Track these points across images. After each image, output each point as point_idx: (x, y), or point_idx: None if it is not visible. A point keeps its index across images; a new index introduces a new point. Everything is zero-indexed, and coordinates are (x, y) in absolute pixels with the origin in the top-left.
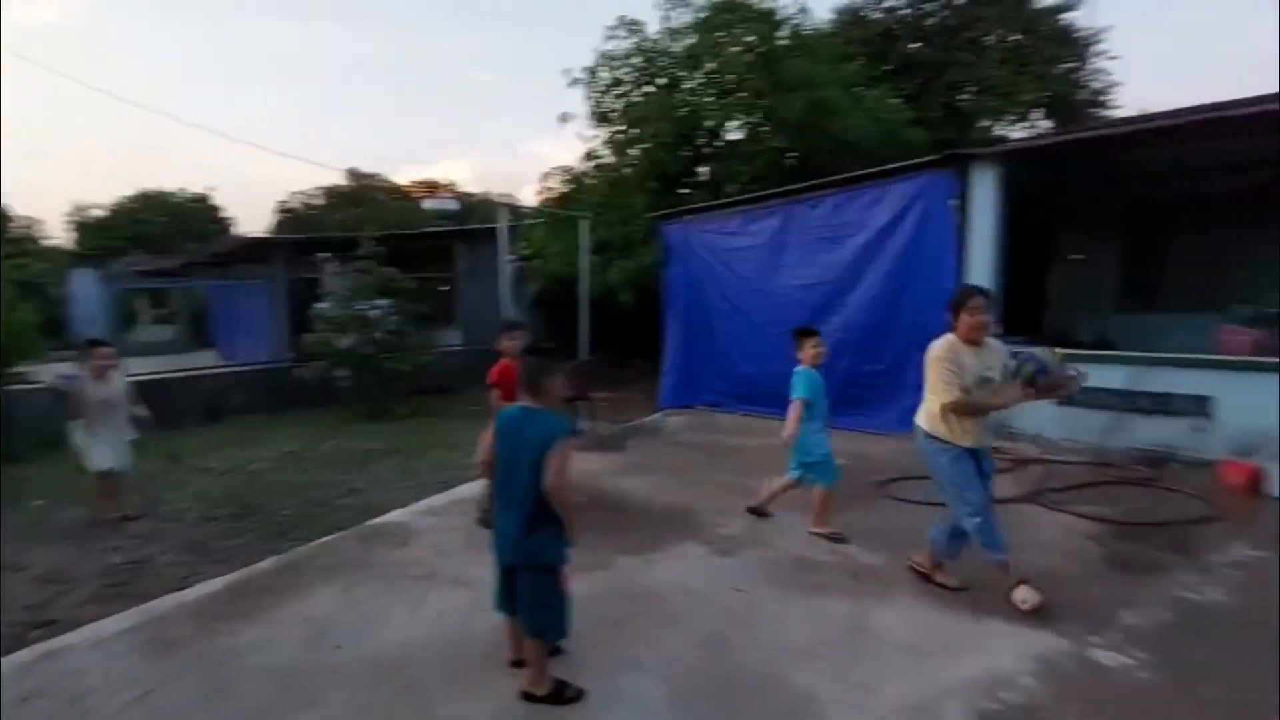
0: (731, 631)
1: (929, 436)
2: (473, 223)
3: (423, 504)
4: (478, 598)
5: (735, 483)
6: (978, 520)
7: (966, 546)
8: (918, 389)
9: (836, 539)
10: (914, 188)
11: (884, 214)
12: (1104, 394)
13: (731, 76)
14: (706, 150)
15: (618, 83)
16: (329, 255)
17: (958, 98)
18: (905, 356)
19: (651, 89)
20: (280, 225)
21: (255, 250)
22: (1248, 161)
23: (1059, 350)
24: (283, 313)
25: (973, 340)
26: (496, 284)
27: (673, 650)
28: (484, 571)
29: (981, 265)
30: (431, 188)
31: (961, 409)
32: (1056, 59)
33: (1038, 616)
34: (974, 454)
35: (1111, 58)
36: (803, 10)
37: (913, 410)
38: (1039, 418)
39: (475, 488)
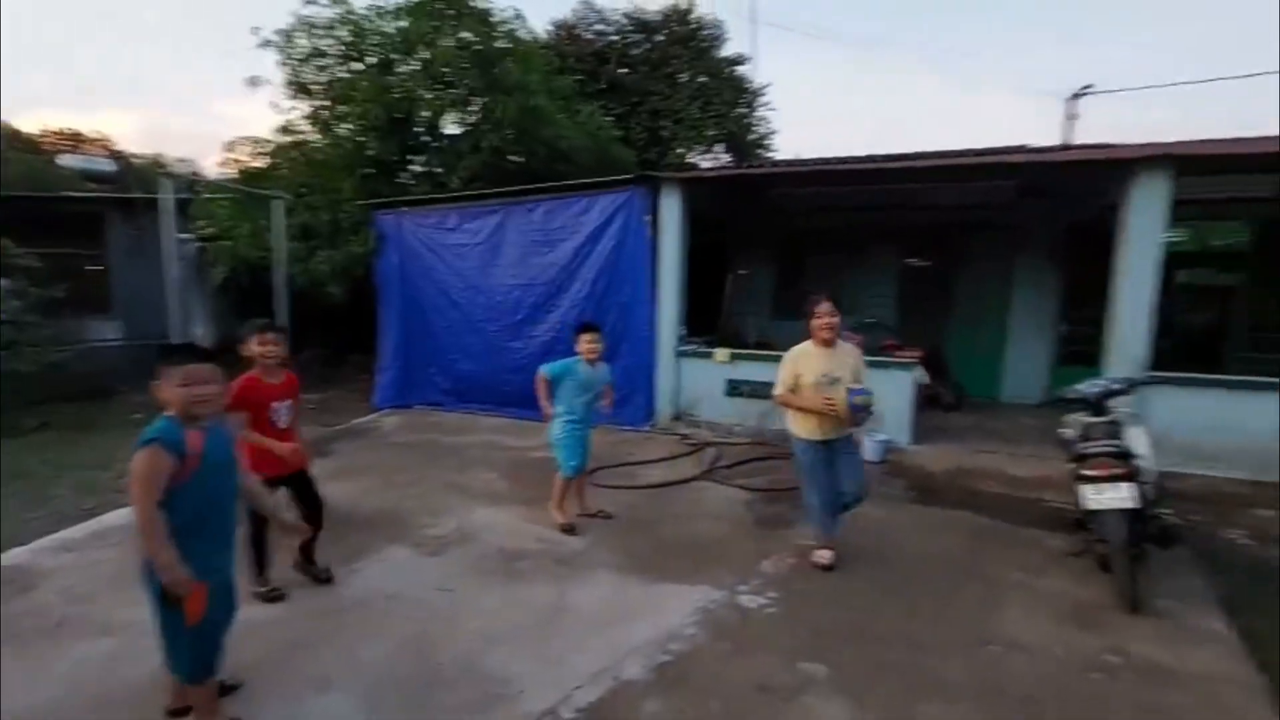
0: (433, 629)
1: (790, 429)
2: (138, 190)
3: (55, 538)
4: (124, 645)
5: (451, 481)
6: (812, 504)
7: (841, 523)
8: (623, 385)
9: (566, 529)
10: (618, 201)
11: (592, 222)
12: (762, 385)
13: (447, 70)
14: (425, 141)
15: (320, 54)
16: None
17: (659, 125)
18: (612, 353)
19: (360, 66)
20: None
21: None
22: (854, 205)
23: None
24: None
25: (825, 342)
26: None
27: (369, 659)
28: (134, 613)
29: (670, 275)
30: (75, 140)
31: (781, 403)
32: (734, 103)
33: (701, 574)
34: (825, 445)
35: (771, 109)
36: (519, 16)
37: (620, 403)
38: (715, 407)
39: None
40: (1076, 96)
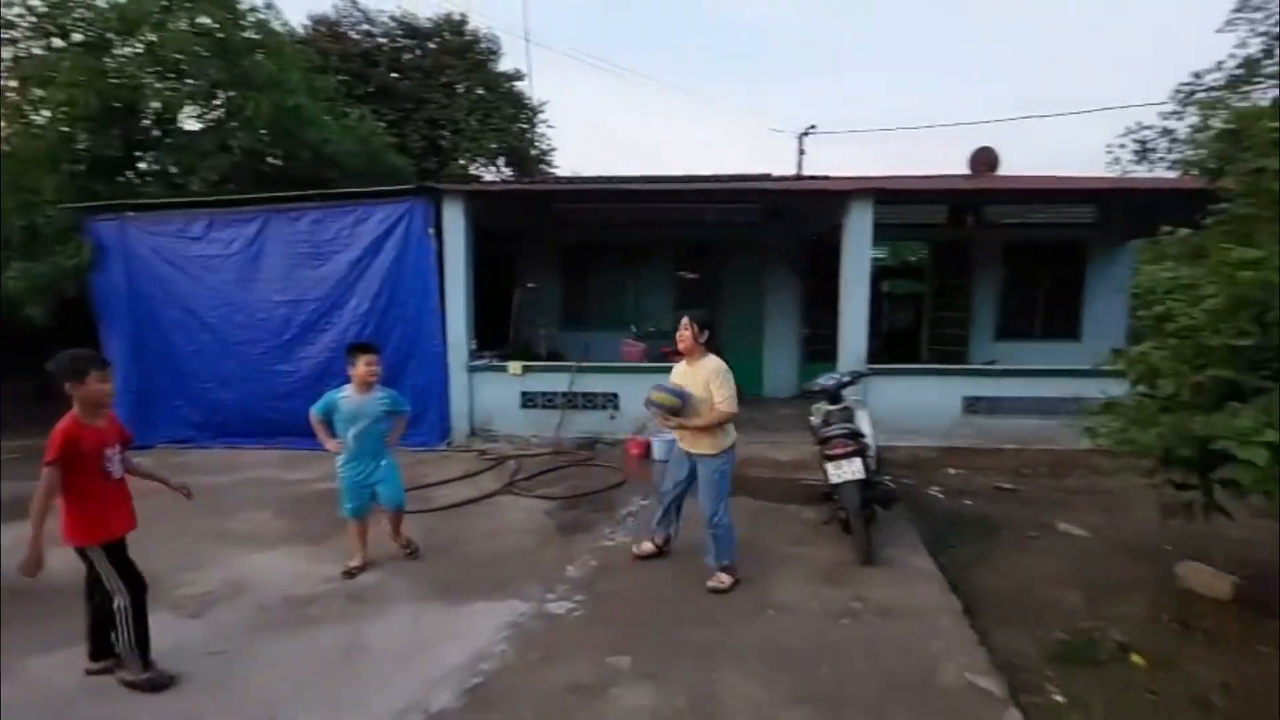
0: (197, 703)
1: None
2: None
3: None
4: None
5: (214, 529)
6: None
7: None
8: (414, 404)
9: (348, 573)
10: (398, 211)
11: (370, 233)
12: (555, 395)
13: (181, 57)
14: (156, 136)
15: (5, 24)
16: None
17: (438, 134)
18: (400, 371)
19: (62, 44)
20: None
21: None
22: (630, 222)
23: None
24: None
25: (682, 356)
26: None
27: None
28: None
29: (458, 288)
30: None
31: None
32: (514, 118)
33: (508, 589)
34: (688, 457)
35: (551, 126)
36: (271, 7)
37: (412, 423)
38: (512, 420)
39: None
40: (805, 134)
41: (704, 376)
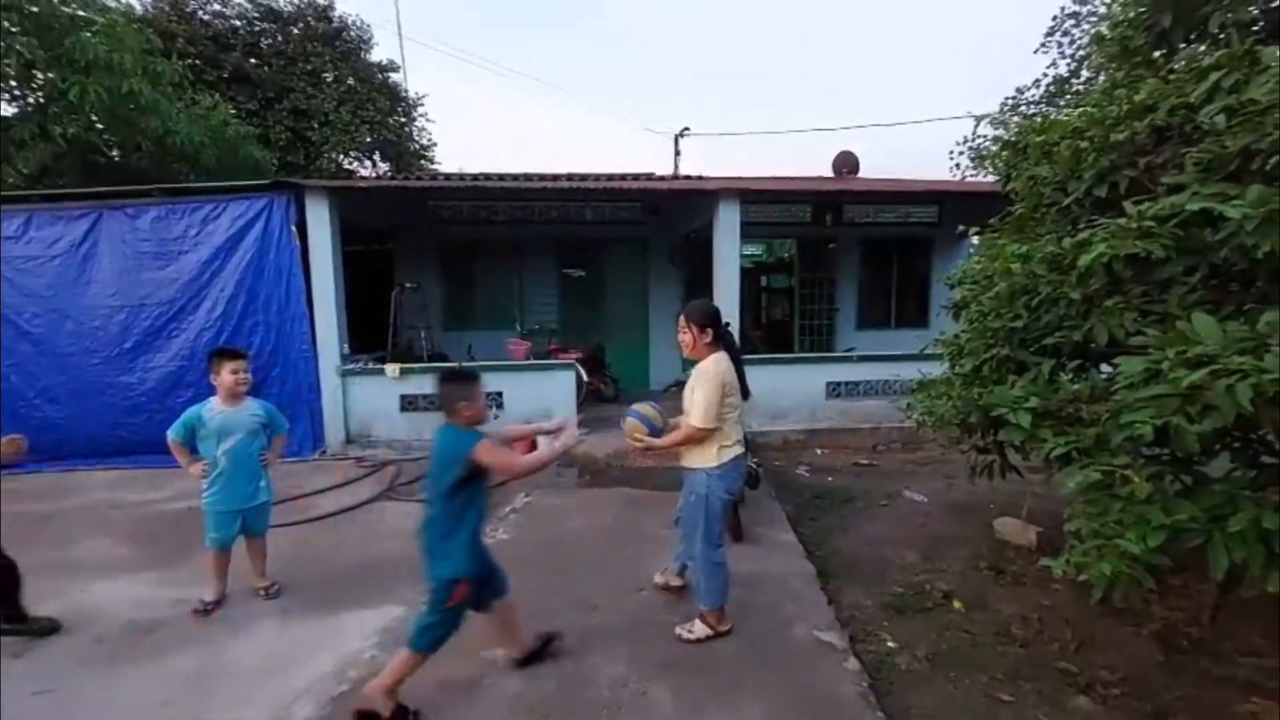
0: None
1: None
2: None
3: None
4: None
5: (47, 559)
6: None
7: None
8: (281, 410)
9: (201, 608)
10: (254, 208)
11: (223, 231)
12: (437, 397)
13: None
14: None
15: None
16: None
17: (305, 125)
18: (263, 377)
19: None
20: None
21: None
22: (512, 219)
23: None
24: None
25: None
26: None
27: None
28: None
29: (326, 289)
30: None
31: None
32: (390, 111)
33: (383, 595)
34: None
35: (429, 120)
36: None
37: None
38: (391, 425)
39: None
40: (680, 135)
41: (691, 383)
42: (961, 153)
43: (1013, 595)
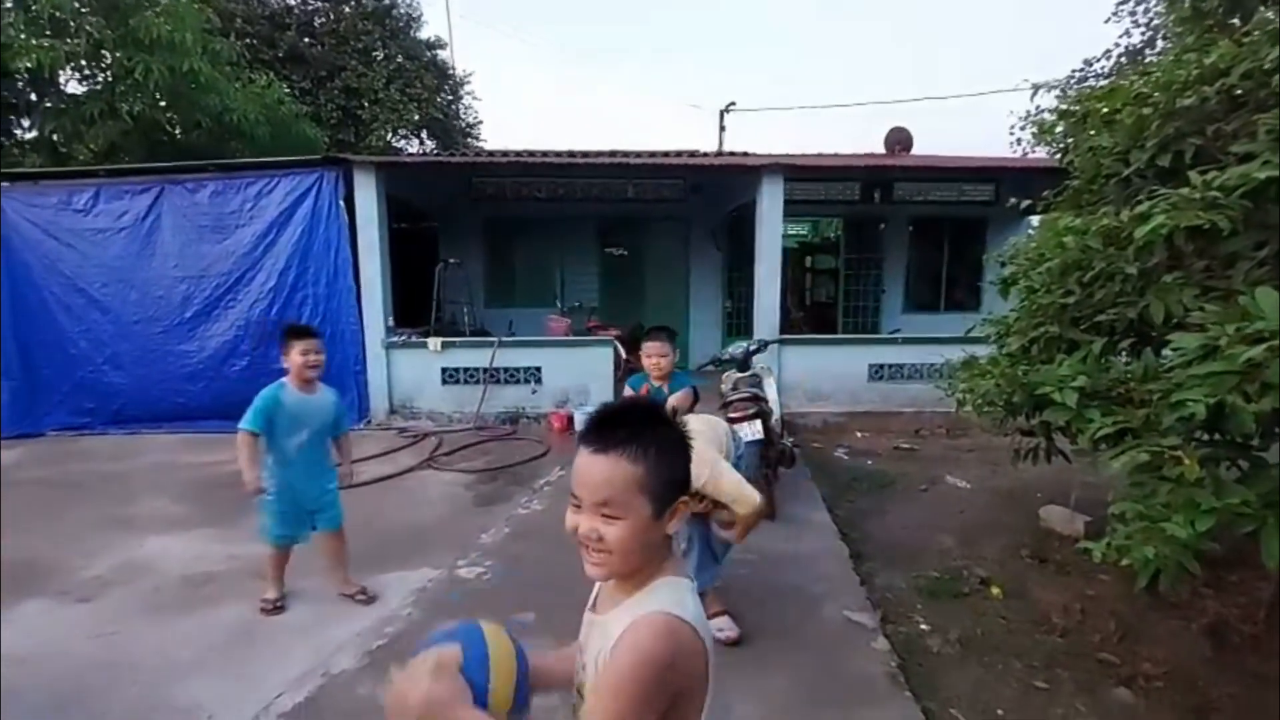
0: (91, 681)
1: None
2: None
3: None
4: None
5: (110, 515)
6: None
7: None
8: (328, 382)
9: (266, 607)
10: (305, 183)
11: (276, 206)
12: (477, 371)
13: (58, 13)
14: (33, 100)
15: None
16: None
17: (355, 104)
18: None
19: None
20: None
21: None
22: (554, 196)
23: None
24: None
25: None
26: None
27: None
28: None
29: (373, 263)
30: None
31: None
32: (437, 89)
33: (420, 558)
34: None
35: (476, 98)
36: None
37: None
38: (432, 397)
39: None
40: (725, 111)
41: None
42: (1023, 128)
43: (1055, 584)
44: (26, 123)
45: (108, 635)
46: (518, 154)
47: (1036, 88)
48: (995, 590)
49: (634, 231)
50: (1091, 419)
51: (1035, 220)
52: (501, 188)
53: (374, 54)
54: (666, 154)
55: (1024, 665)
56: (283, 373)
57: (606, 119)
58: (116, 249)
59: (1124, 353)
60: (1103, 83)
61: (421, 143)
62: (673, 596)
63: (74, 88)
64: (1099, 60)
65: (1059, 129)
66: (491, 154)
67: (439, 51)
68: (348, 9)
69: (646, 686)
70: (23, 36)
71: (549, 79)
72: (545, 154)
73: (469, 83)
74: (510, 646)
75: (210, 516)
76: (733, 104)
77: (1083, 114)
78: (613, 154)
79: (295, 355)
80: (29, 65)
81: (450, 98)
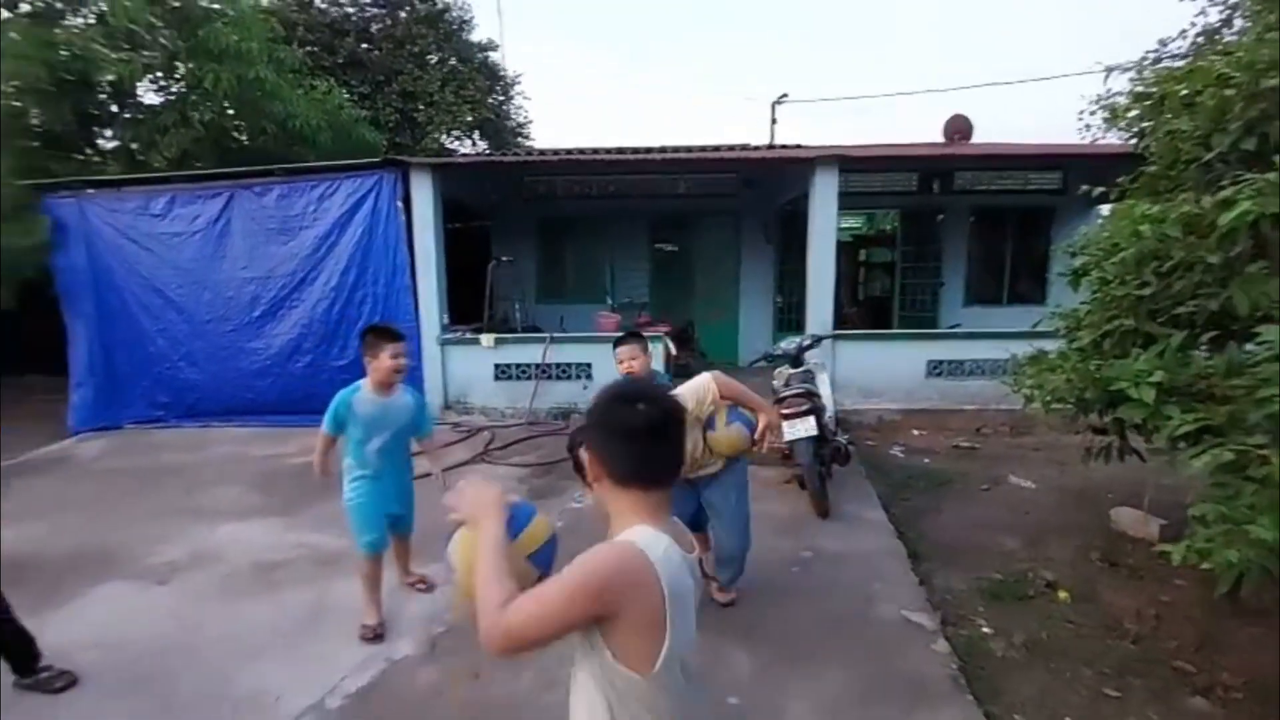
0: (168, 661)
1: None
2: None
3: None
4: None
5: (184, 504)
6: None
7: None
8: None
9: (366, 634)
10: (365, 185)
11: (337, 208)
12: (529, 367)
13: (135, 27)
14: (114, 111)
15: None
16: None
17: (411, 107)
18: None
19: (8, 14)
20: None
21: None
22: (604, 193)
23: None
24: None
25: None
26: None
27: (79, 710)
28: None
29: (429, 262)
30: None
31: None
32: (489, 90)
33: None
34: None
35: (526, 98)
36: None
37: None
38: (485, 393)
39: None
40: (777, 102)
41: (709, 394)
42: (1092, 112)
43: (1127, 589)
44: (108, 133)
45: (184, 618)
46: (568, 152)
47: (1109, 70)
48: (1063, 594)
49: (684, 227)
50: (1170, 416)
51: (1106, 209)
52: (552, 186)
53: (428, 57)
54: (718, 148)
55: (1094, 672)
56: (346, 369)
57: (657, 115)
58: (191, 251)
59: (1205, 347)
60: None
61: (474, 143)
62: (642, 536)
63: (150, 98)
64: (1174, 40)
65: (1133, 113)
66: (543, 153)
67: (490, 53)
68: (403, 14)
69: (574, 587)
70: (104, 50)
71: (599, 76)
72: (596, 151)
73: (519, 83)
74: (550, 530)
75: (277, 506)
76: (785, 95)
77: (1160, 96)
78: (663, 149)
79: (385, 358)
80: (110, 79)
81: (501, 98)
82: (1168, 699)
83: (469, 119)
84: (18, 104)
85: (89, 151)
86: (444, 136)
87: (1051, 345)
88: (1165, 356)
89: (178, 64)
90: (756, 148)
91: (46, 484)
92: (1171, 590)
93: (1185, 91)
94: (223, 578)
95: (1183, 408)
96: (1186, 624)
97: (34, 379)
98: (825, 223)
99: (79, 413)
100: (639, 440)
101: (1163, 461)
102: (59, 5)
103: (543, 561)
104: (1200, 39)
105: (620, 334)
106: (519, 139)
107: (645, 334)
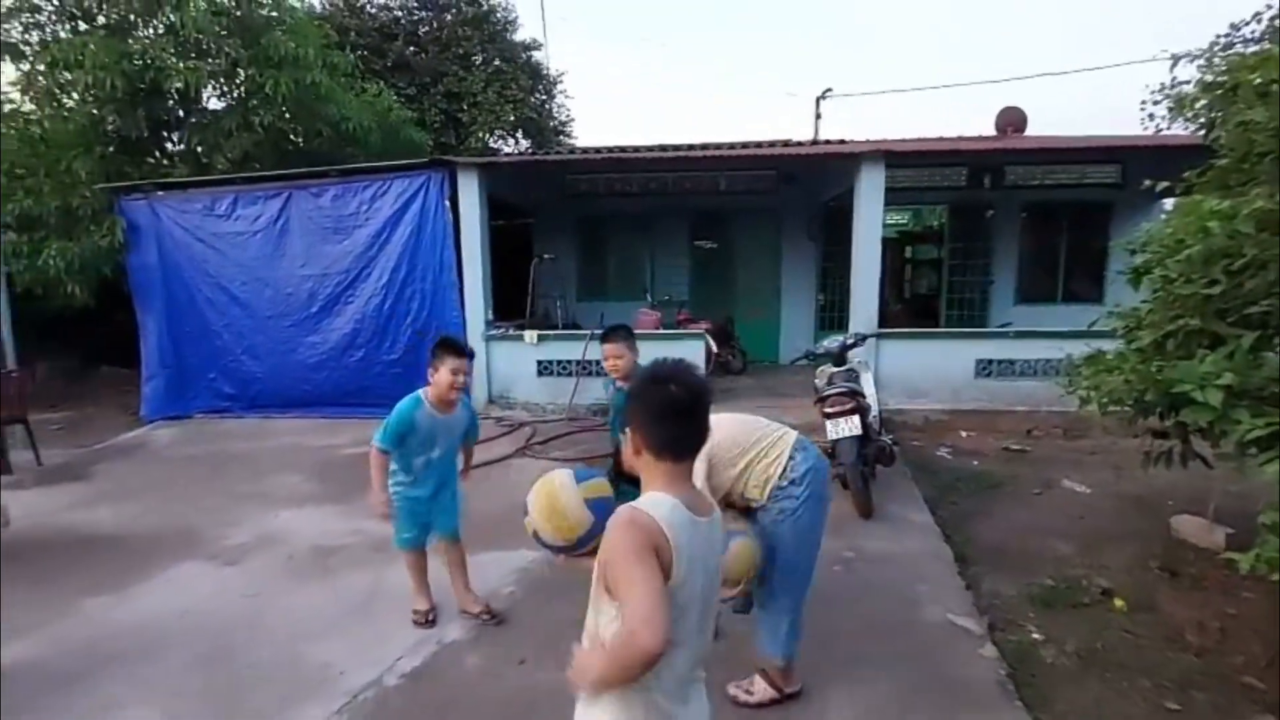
0: (239, 637)
1: None
2: None
3: None
4: None
5: (248, 490)
6: None
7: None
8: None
9: (418, 619)
10: (414, 185)
11: (388, 207)
12: (570, 364)
13: (201, 36)
14: (181, 116)
15: (31, 8)
16: None
17: (456, 107)
18: (419, 345)
19: (86, 27)
20: None
21: None
22: (645, 191)
23: None
24: None
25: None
26: None
27: (160, 677)
28: None
29: (474, 260)
30: None
31: None
32: (532, 90)
33: (519, 540)
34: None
35: (569, 97)
36: None
37: None
38: (528, 388)
39: None
40: (822, 97)
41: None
42: (1156, 101)
43: (1189, 600)
44: (176, 137)
45: (252, 596)
46: (610, 150)
47: (1176, 58)
48: (1119, 602)
49: (725, 224)
50: (1239, 420)
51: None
52: (594, 184)
53: (473, 58)
54: (760, 144)
55: (1153, 684)
56: (396, 363)
57: (694, 112)
58: (253, 250)
59: (1279, 348)
60: (1253, 49)
61: (516, 143)
62: (647, 501)
63: (213, 104)
64: (1247, 23)
65: (1201, 102)
66: (585, 151)
67: (534, 53)
68: (449, 16)
69: (629, 554)
70: (173, 60)
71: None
72: (638, 150)
73: (561, 82)
74: (610, 493)
75: (334, 494)
76: (829, 90)
77: (1232, 85)
78: (704, 146)
79: (444, 373)
80: (178, 86)
81: (544, 98)
82: (1234, 715)
83: (511, 118)
84: (95, 111)
85: (158, 155)
86: (488, 136)
87: (1110, 345)
88: (1235, 358)
89: (239, 71)
90: (799, 143)
91: (129, 467)
92: (1237, 602)
93: (1260, 80)
94: (285, 560)
95: (1253, 412)
96: (1254, 638)
97: (110, 370)
98: (871, 219)
99: (151, 403)
100: (669, 418)
101: (1229, 468)
102: (133, 17)
103: (599, 509)
104: (1277, 22)
105: (602, 330)
106: (560, 138)
107: (685, 331)
